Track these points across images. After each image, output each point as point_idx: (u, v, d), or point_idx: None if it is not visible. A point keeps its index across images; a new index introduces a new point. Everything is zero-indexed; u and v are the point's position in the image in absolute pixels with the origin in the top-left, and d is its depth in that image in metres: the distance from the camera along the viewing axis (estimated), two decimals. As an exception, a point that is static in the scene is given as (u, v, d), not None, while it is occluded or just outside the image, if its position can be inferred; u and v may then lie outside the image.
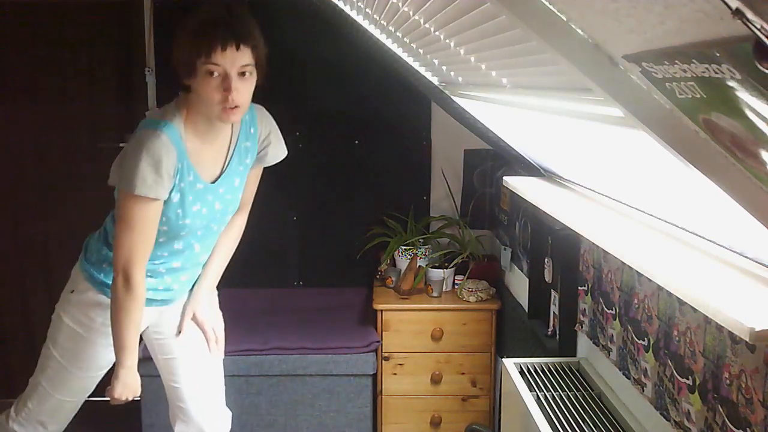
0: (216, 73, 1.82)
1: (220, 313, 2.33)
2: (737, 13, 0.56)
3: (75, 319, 2.11)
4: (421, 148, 3.56)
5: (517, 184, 2.39)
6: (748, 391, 1.33)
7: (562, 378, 2.15)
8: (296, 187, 3.53)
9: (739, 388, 1.36)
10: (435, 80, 2.53)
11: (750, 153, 0.81)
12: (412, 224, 3.49)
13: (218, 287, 2.34)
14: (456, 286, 3.35)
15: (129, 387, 2.04)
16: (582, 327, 2.28)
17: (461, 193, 3.54)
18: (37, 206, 3.61)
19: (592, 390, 2.07)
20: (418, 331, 3.23)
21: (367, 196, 3.58)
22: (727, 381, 1.40)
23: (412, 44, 2.10)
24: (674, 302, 1.62)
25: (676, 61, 0.75)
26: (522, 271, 2.99)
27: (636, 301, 1.84)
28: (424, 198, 3.60)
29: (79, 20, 3.47)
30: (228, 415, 2.38)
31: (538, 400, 2.01)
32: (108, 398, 2.05)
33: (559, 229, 2.29)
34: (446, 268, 3.35)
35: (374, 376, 3.17)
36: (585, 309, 2.25)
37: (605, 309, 2.05)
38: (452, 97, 2.51)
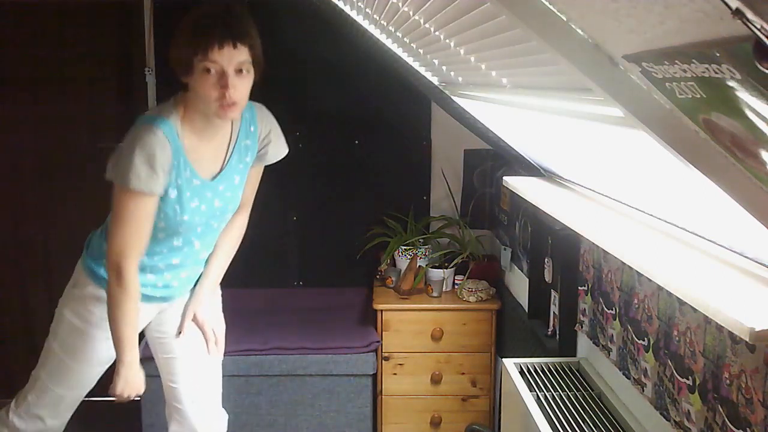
0: (213, 71, 1.83)
1: (222, 315, 2.33)
2: (737, 13, 0.56)
3: (75, 313, 2.12)
4: (421, 148, 3.56)
5: (517, 184, 2.39)
6: (748, 391, 1.33)
7: (562, 378, 2.15)
8: (296, 187, 3.53)
9: (739, 388, 1.36)
10: (435, 80, 2.53)
11: (750, 153, 0.81)
12: (412, 224, 3.49)
13: (219, 287, 2.34)
14: (456, 286, 3.35)
15: (130, 384, 2.04)
16: (582, 327, 2.28)
17: (461, 193, 3.55)
18: (37, 206, 3.61)
19: (592, 390, 2.07)
20: (418, 331, 3.23)
21: (367, 196, 3.58)
22: (727, 381, 1.40)
23: (412, 44, 2.10)
24: (674, 302, 1.62)
25: (676, 61, 0.75)
26: (522, 271, 2.99)
27: (636, 301, 1.84)
28: (424, 198, 3.60)
29: (79, 20, 3.47)
30: (224, 417, 2.38)
31: (538, 400, 2.01)
32: (111, 397, 2.06)
33: (559, 229, 2.29)
34: (446, 268, 3.35)
35: (374, 376, 3.17)
36: (585, 309, 2.25)
37: (605, 309, 2.05)
38: (452, 97, 2.51)
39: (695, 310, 1.48)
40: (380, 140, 3.55)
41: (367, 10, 2.14)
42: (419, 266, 3.34)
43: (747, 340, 1.00)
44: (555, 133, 1.84)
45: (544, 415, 1.91)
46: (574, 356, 2.34)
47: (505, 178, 2.52)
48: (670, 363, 1.65)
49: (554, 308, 2.51)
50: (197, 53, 1.81)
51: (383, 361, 3.22)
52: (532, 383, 2.11)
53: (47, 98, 3.53)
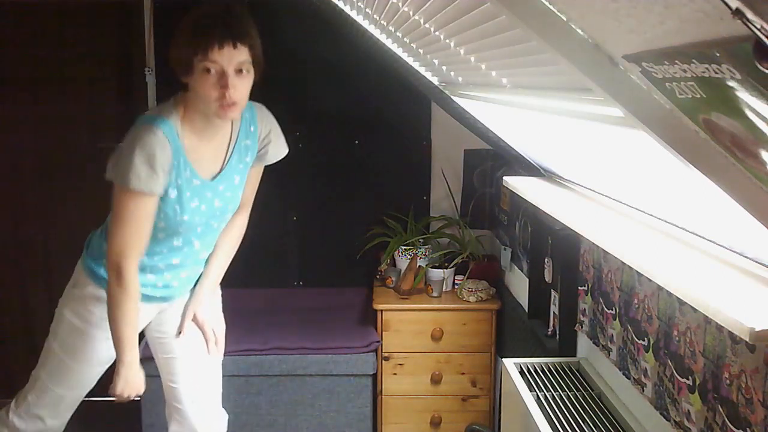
0: (213, 71, 1.83)
1: (222, 315, 2.33)
2: (737, 13, 0.56)
3: (75, 313, 2.12)
4: (421, 148, 3.56)
5: (517, 184, 2.39)
6: (748, 391, 1.33)
7: (562, 378, 2.15)
8: (296, 187, 3.53)
9: (739, 388, 1.36)
10: (435, 80, 2.53)
11: (750, 153, 0.81)
12: (412, 224, 3.49)
13: (219, 287, 2.34)
14: (456, 286, 3.35)
15: (130, 384, 2.04)
16: (582, 327, 2.28)
17: (461, 193, 3.55)
18: (37, 206, 3.61)
19: (592, 390, 2.07)
20: (418, 331, 3.23)
21: (367, 196, 3.58)
22: (727, 381, 1.40)
23: (412, 44, 2.10)
24: (674, 302, 1.62)
25: (676, 61, 0.75)
26: (522, 271, 2.99)
27: (636, 301, 1.84)
28: (424, 198, 3.60)
29: (79, 20, 3.47)
30: (224, 417, 2.38)
31: (538, 400, 2.01)
32: (111, 397, 2.06)
33: (559, 229, 2.29)
34: (446, 268, 3.35)
35: (374, 376, 3.17)
36: (585, 309, 2.25)
37: (605, 309, 2.05)
38: (452, 97, 2.51)
39: (695, 310, 1.48)
40: (380, 140, 3.54)
41: (367, 10, 2.14)
42: (419, 266, 3.34)
43: (747, 340, 1.00)
44: (555, 133, 1.84)
45: (544, 415, 1.91)
46: (574, 356, 2.34)
47: (505, 178, 2.52)
48: (670, 363, 1.65)
49: (554, 308, 2.51)
50: (197, 53, 1.81)
51: (383, 361, 3.22)
52: (532, 383, 2.11)
53: (47, 98, 3.53)
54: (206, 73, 1.83)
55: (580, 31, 0.94)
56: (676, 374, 1.62)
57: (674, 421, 1.63)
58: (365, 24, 2.35)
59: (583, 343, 2.29)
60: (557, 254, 2.43)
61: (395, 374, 3.24)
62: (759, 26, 0.55)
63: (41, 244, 3.63)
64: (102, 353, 2.14)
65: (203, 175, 2.02)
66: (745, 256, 1.28)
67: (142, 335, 2.17)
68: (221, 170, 2.06)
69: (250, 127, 2.10)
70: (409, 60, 2.42)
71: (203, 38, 1.81)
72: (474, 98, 2.24)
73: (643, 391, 1.80)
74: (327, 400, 3.10)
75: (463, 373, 3.26)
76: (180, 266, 2.14)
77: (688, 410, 1.56)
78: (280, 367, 3.07)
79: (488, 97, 2.06)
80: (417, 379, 3.25)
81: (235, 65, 1.83)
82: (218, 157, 2.06)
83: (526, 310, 2.82)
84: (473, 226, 3.52)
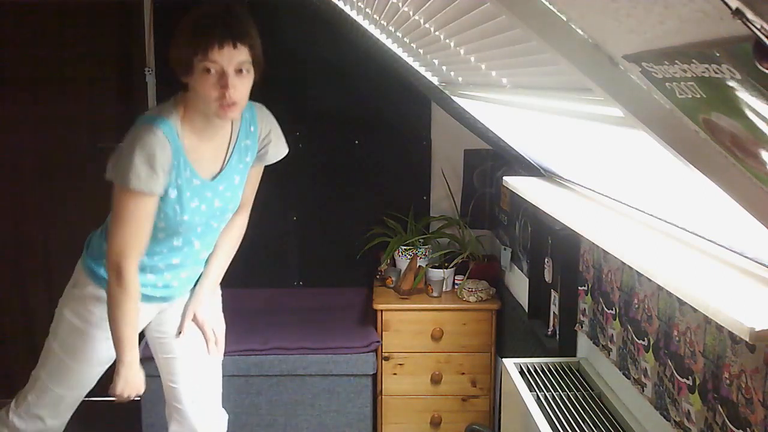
0: (213, 71, 1.83)
1: (222, 315, 2.33)
2: (737, 13, 0.56)
3: (75, 312, 2.12)
4: (421, 148, 3.56)
5: (517, 184, 2.39)
6: (748, 391, 1.33)
7: (562, 378, 2.15)
8: (296, 187, 3.53)
9: (739, 388, 1.36)
10: (435, 80, 2.53)
11: (750, 153, 0.81)
12: (412, 224, 3.49)
13: (220, 287, 2.34)
14: (456, 286, 3.35)
15: (130, 384, 2.04)
16: (582, 327, 2.28)
17: (461, 193, 3.55)
18: (37, 206, 3.61)
19: (592, 390, 2.07)
20: (418, 331, 3.23)
21: (367, 196, 3.58)
22: (727, 381, 1.40)
23: (412, 44, 2.10)
24: (674, 302, 1.62)
25: (676, 61, 0.75)
26: (522, 271, 2.99)
27: (636, 301, 1.84)
28: (424, 198, 3.60)
29: (79, 20, 3.47)
30: (224, 417, 2.38)
31: (538, 400, 2.01)
32: (111, 397, 2.06)
33: (559, 229, 2.29)
34: (446, 268, 3.35)
35: (374, 376, 3.17)
36: (585, 309, 2.25)
37: (605, 309, 2.05)
38: (452, 97, 2.51)
39: (695, 310, 1.48)
40: (380, 140, 3.55)
41: (367, 10, 2.14)
42: (419, 266, 3.34)
43: (747, 340, 1.00)
44: (555, 133, 1.84)
45: (544, 415, 1.91)
46: (574, 356, 2.34)
47: (505, 178, 2.52)
48: (670, 363, 1.65)
49: (554, 308, 2.51)
50: (197, 53, 1.81)
51: (383, 361, 3.22)
52: (532, 383, 2.11)
53: (47, 98, 3.53)
54: (206, 73, 1.83)
55: (580, 31, 0.94)
56: (676, 374, 1.62)
57: (674, 421, 1.63)
58: (365, 24, 2.35)
59: (583, 343, 2.29)
60: (557, 254, 2.43)
61: (395, 374, 3.24)
62: (759, 26, 0.55)
63: (41, 244, 3.63)
64: (102, 353, 2.14)
65: (203, 175, 2.02)
66: (745, 256, 1.28)
67: (142, 335, 2.17)
68: (221, 170, 2.06)
69: (250, 127, 2.10)
70: (409, 60, 2.42)
71: (203, 38, 1.81)
72: (474, 98, 2.24)
73: (643, 391, 1.80)
74: (327, 400, 3.10)
75: (463, 373, 3.26)
76: (180, 266, 2.14)
77: (688, 410, 1.56)
78: (280, 367, 3.07)
79: (488, 97, 2.06)
80: (417, 379, 3.25)
81: (235, 65, 1.83)
82: (218, 157, 2.06)
83: (526, 310, 2.82)
84: (473, 226, 3.52)
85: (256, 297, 3.52)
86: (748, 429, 1.33)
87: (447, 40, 1.73)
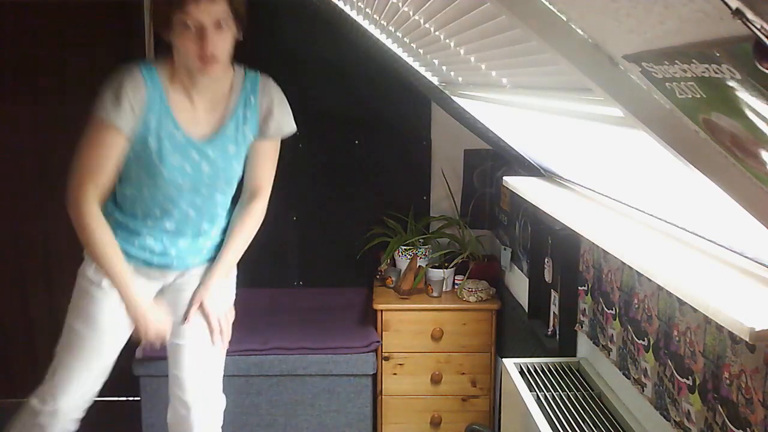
0: (192, 26, 1.85)
1: (233, 299, 2.32)
2: (737, 13, 0.56)
3: (83, 276, 2.15)
4: (421, 148, 3.56)
5: (517, 184, 2.39)
6: (748, 391, 1.33)
7: (562, 378, 2.15)
8: (296, 187, 3.52)
9: (739, 388, 1.36)
10: (435, 80, 2.53)
11: (750, 153, 0.81)
12: (412, 224, 3.49)
13: (236, 269, 2.33)
14: (456, 286, 3.35)
15: (149, 321, 2.09)
16: (582, 327, 2.28)
17: (461, 193, 3.55)
18: (37, 206, 3.61)
19: (592, 390, 2.07)
20: (418, 331, 3.23)
21: (367, 196, 3.58)
22: (727, 381, 1.40)
23: (412, 44, 2.10)
24: (674, 302, 1.62)
25: (676, 61, 0.75)
26: (522, 271, 2.99)
27: (636, 301, 1.84)
28: (424, 198, 3.60)
29: (79, 20, 3.47)
30: (222, 402, 2.35)
31: (538, 400, 2.01)
32: (143, 346, 2.03)
33: (559, 229, 2.29)
34: (446, 268, 3.35)
35: (374, 376, 3.17)
36: (585, 309, 2.25)
37: (605, 309, 2.05)
38: (452, 97, 2.51)
39: (695, 310, 1.48)
40: (380, 140, 3.55)
41: (367, 10, 2.14)
42: (419, 266, 3.34)
43: (747, 340, 1.00)
44: (555, 133, 1.84)
45: (544, 415, 1.91)
46: (574, 356, 2.34)
47: (505, 178, 2.52)
48: (670, 363, 1.65)
49: (554, 308, 2.51)
50: (175, 8, 1.84)
51: (383, 361, 3.22)
52: (532, 383, 2.11)
53: (47, 98, 3.53)
54: (185, 28, 1.86)
55: (580, 31, 0.94)
56: (676, 374, 1.62)
57: (674, 421, 1.63)
58: (365, 24, 2.35)
59: (583, 343, 2.29)
60: (557, 254, 2.43)
61: (395, 374, 3.24)
62: (759, 26, 0.55)
63: (41, 244, 3.63)
64: (106, 315, 2.12)
65: (191, 135, 2.03)
66: (745, 256, 1.28)
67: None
68: (214, 135, 2.06)
69: (251, 97, 2.10)
70: (409, 60, 2.42)
71: None
72: (474, 98, 2.24)
73: (643, 391, 1.80)
74: (327, 400, 3.10)
75: (463, 373, 3.26)
76: (176, 234, 2.14)
77: (688, 410, 1.56)
78: (280, 367, 3.07)
79: (488, 97, 2.06)
80: (417, 379, 3.25)
81: (213, 19, 1.85)
82: (211, 121, 2.07)
83: (526, 310, 2.82)
84: (473, 226, 3.52)
85: (256, 297, 3.52)
86: (748, 429, 1.33)
87: (447, 40, 1.73)
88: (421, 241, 3.46)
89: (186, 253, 2.19)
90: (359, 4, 2.17)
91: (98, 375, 2.19)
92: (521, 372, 2.19)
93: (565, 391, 2.06)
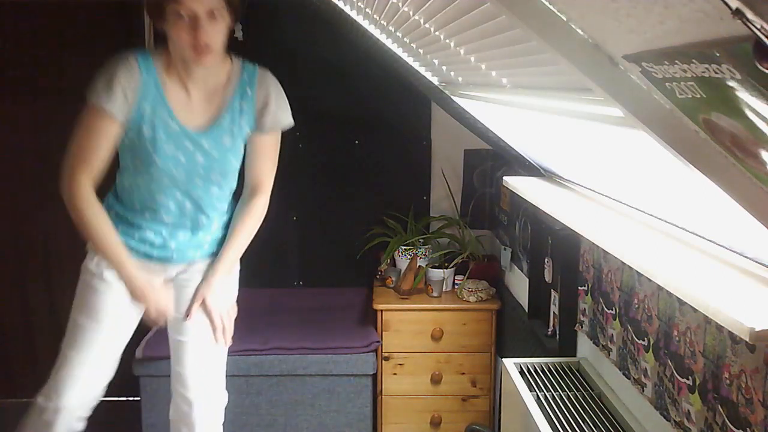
0: (185, 15, 1.86)
1: (236, 296, 2.32)
2: (737, 13, 0.56)
3: (86, 270, 2.15)
4: (421, 148, 3.56)
5: (517, 184, 2.39)
6: (748, 391, 1.33)
7: (562, 378, 2.15)
8: (296, 187, 3.52)
9: (739, 388, 1.36)
10: (435, 80, 2.53)
11: (750, 153, 0.81)
12: (412, 224, 3.49)
13: (239, 263, 2.33)
14: (456, 286, 3.35)
15: (150, 298, 2.10)
16: (582, 327, 2.28)
17: (461, 193, 3.55)
18: (37, 206, 3.60)
19: (592, 390, 2.07)
20: (418, 331, 3.23)
21: (367, 196, 3.58)
22: (727, 381, 1.40)
23: (412, 44, 2.10)
24: (674, 302, 1.62)
25: (676, 61, 0.75)
26: (522, 271, 2.99)
27: (636, 301, 1.84)
28: (424, 198, 3.60)
29: (79, 20, 3.47)
30: (224, 398, 2.35)
31: (538, 400, 2.01)
32: (152, 324, 2.11)
33: (559, 229, 2.29)
34: (446, 268, 3.35)
35: (374, 376, 3.17)
36: (585, 309, 2.25)
37: (605, 309, 2.05)
38: (452, 97, 2.51)
39: (695, 310, 1.48)
40: (380, 140, 3.55)
41: (367, 10, 2.14)
42: (419, 266, 3.34)
43: (747, 340, 1.00)
44: (555, 133, 1.84)
45: (544, 415, 1.91)
46: (574, 356, 2.34)
47: (505, 178, 2.52)
48: (670, 363, 1.65)
49: (554, 308, 2.51)
50: None
51: (383, 361, 3.22)
52: (532, 383, 2.11)
53: (47, 98, 3.53)
54: (178, 18, 1.87)
55: (580, 31, 0.94)
56: (676, 374, 1.62)
57: (674, 421, 1.63)
58: (365, 24, 2.35)
59: (583, 343, 2.29)
60: (557, 254, 2.43)
61: (395, 374, 3.24)
62: (759, 26, 0.55)
63: (41, 244, 3.63)
64: (109, 308, 2.13)
65: (186, 125, 2.03)
66: (745, 256, 1.28)
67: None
68: (210, 126, 2.06)
69: (247, 89, 2.10)
70: (409, 60, 2.42)
71: None
72: (474, 98, 2.24)
73: (643, 391, 1.80)
74: (327, 400, 3.10)
75: (463, 373, 3.26)
76: (175, 226, 2.14)
77: (688, 410, 1.56)
78: (280, 367, 3.07)
79: (488, 97, 2.06)
80: (417, 379, 3.25)
81: (206, 9, 1.87)
82: (208, 111, 2.07)
83: (526, 310, 2.82)
84: (473, 226, 3.52)
85: (256, 297, 3.51)
86: (748, 429, 1.33)
87: (447, 40, 1.73)
88: (421, 241, 3.46)
89: (185, 247, 2.19)
90: (359, 4, 2.17)
91: (102, 371, 2.19)
92: (521, 372, 2.19)
93: (565, 391, 2.06)
